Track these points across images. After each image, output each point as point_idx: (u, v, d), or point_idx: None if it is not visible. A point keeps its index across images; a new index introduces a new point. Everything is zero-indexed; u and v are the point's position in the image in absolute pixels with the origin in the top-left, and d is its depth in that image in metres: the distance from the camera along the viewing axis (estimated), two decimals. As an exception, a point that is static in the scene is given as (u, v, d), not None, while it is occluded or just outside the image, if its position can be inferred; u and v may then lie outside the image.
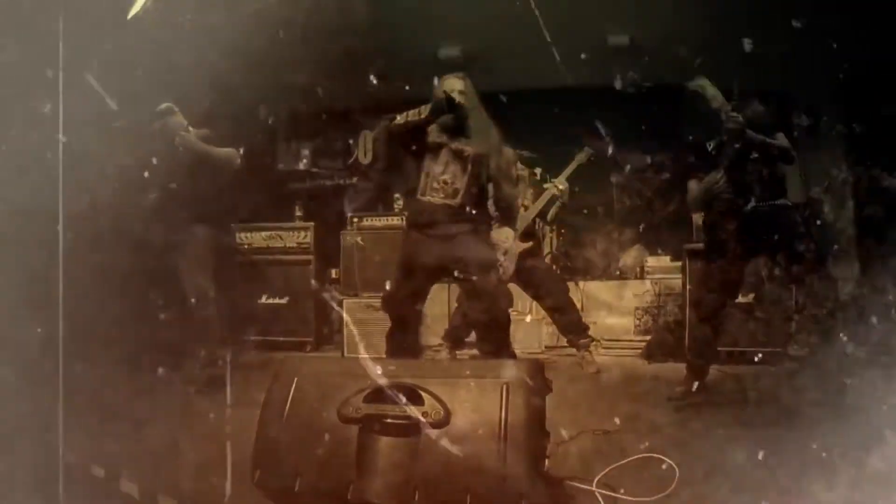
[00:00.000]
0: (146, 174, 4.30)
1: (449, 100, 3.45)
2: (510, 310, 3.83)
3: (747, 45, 3.38)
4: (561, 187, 5.27)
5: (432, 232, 3.60)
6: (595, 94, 6.91)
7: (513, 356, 3.78)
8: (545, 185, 5.33)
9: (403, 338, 3.76)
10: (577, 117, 6.74)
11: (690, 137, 3.81)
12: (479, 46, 6.06)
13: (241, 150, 4.61)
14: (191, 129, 4.42)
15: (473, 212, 3.63)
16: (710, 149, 3.67)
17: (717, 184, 3.62)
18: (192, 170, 4.36)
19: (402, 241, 3.81)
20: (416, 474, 1.97)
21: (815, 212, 5.48)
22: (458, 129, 3.59)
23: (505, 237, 4.07)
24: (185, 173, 4.34)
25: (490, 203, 3.91)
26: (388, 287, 3.78)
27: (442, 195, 3.58)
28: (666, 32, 5.20)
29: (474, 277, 3.59)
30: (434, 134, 3.60)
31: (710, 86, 3.70)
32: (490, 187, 3.78)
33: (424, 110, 3.52)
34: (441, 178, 3.59)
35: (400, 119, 3.59)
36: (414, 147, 3.65)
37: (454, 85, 3.57)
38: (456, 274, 3.70)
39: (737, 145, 3.49)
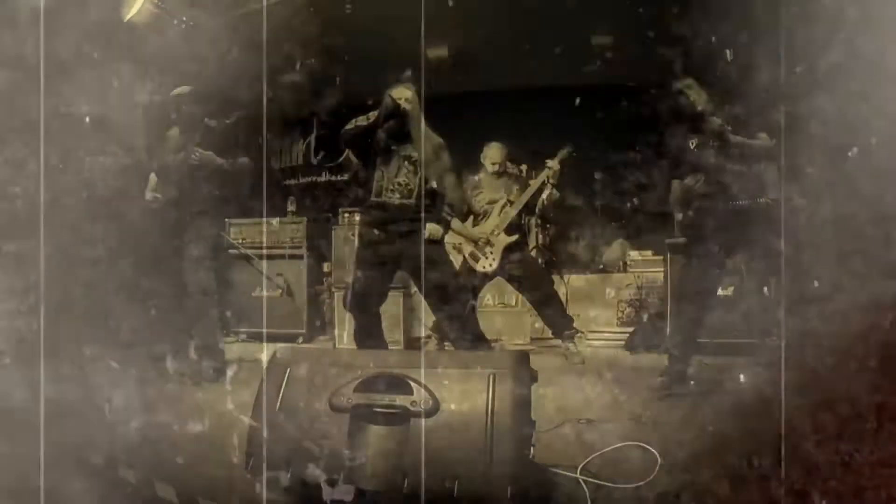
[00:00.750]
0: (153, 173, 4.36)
1: (395, 106, 3.63)
2: (473, 302, 3.96)
3: (729, 55, 3.44)
4: (554, 167, 5.23)
5: (391, 229, 3.76)
6: (579, 93, 6.99)
7: (488, 345, 3.89)
8: (530, 182, 5.37)
9: (369, 336, 3.88)
10: (562, 115, 6.83)
11: (672, 135, 3.84)
12: (466, 46, 6.09)
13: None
14: (207, 119, 4.38)
15: (428, 210, 3.80)
16: (692, 146, 3.75)
17: (697, 183, 3.69)
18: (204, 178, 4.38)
19: (359, 241, 3.97)
20: (406, 462, 2.02)
21: (793, 208, 5.55)
22: (403, 136, 3.77)
23: (431, 232, 4.12)
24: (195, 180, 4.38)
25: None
26: (350, 287, 3.91)
27: (399, 196, 3.75)
28: (649, 32, 5.24)
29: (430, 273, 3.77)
30: (383, 140, 3.78)
31: (696, 87, 3.78)
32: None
33: (372, 115, 3.70)
34: (395, 180, 3.76)
35: (351, 124, 3.76)
36: (365, 151, 3.86)
37: (403, 93, 3.71)
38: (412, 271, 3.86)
39: (716, 144, 3.57)
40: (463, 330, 3.83)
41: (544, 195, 5.32)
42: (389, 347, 4.38)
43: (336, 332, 5.78)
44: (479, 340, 3.89)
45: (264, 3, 4.39)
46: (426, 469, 1.99)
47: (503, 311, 5.89)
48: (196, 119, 4.38)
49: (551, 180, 5.26)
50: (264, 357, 2.42)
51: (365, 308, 3.86)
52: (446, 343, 5.35)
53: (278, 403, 2.21)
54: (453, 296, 3.75)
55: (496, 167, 5.22)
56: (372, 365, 2.26)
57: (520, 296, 5.56)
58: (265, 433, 2.18)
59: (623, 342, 5.62)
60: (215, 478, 2.50)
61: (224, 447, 2.73)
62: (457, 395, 2.11)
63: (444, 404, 2.09)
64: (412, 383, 2.14)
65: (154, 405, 3.61)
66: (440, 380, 2.15)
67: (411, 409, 2.08)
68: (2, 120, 2.88)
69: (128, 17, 4.15)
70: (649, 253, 6.27)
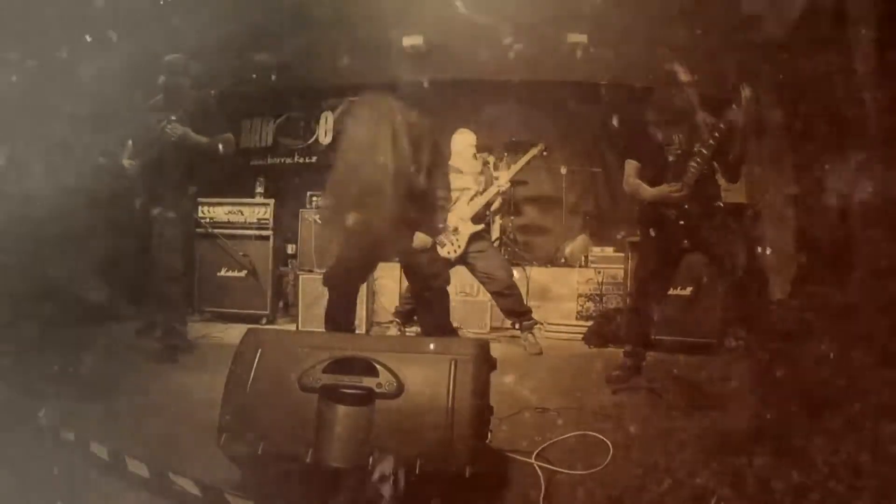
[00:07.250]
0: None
1: None
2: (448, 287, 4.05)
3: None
4: (503, 188, 5.42)
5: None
6: (552, 88, 7.09)
7: (453, 332, 3.96)
8: (494, 174, 5.50)
9: (342, 315, 3.94)
10: (534, 109, 6.91)
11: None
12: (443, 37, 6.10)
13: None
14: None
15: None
16: (670, 159, 3.82)
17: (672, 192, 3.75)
18: (180, 156, 4.34)
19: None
20: (371, 440, 2.10)
21: (755, 212, 5.72)
22: None
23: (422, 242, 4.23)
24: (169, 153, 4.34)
25: None
26: (332, 264, 3.95)
27: None
28: (622, 32, 5.33)
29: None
30: None
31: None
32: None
33: None
34: None
35: None
36: None
37: None
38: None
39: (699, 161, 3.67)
40: (437, 314, 3.92)
41: (498, 201, 5.50)
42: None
43: (299, 313, 5.83)
44: (448, 327, 3.99)
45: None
46: (391, 447, 2.07)
47: (463, 300, 5.97)
48: (182, 89, 4.33)
49: (504, 193, 5.43)
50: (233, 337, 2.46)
51: (344, 287, 3.90)
52: (407, 329, 5.44)
53: (249, 382, 2.27)
54: (428, 280, 3.85)
55: (465, 155, 5.31)
56: (339, 347, 2.33)
57: (479, 285, 5.63)
58: (236, 410, 2.24)
59: (581, 335, 5.74)
60: (186, 453, 2.55)
61: (196, 423, 2.77)
62: (420, 378, 2.19)
63: (408, 387, 2.17)
64: (378, 366, 2.21)
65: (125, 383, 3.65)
66: (404, 363, 2.23)
67: (376, 390, 2.17)
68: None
69: None
70: (611, 249, 6.39)
